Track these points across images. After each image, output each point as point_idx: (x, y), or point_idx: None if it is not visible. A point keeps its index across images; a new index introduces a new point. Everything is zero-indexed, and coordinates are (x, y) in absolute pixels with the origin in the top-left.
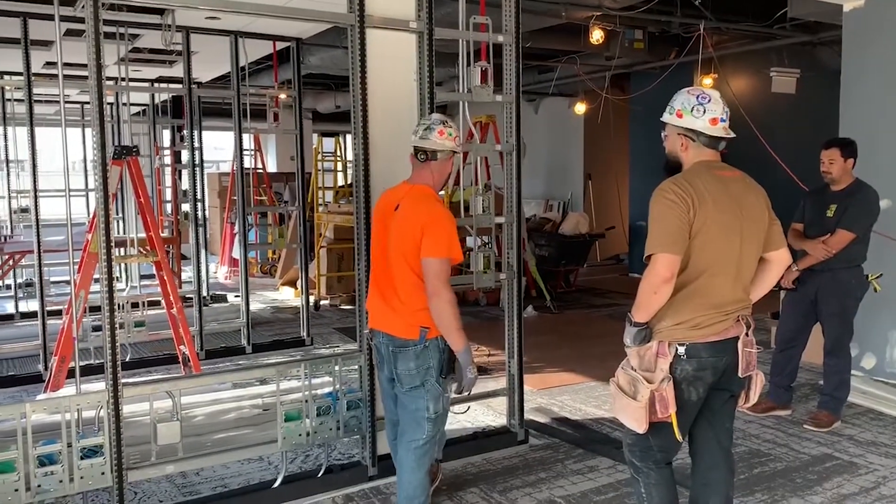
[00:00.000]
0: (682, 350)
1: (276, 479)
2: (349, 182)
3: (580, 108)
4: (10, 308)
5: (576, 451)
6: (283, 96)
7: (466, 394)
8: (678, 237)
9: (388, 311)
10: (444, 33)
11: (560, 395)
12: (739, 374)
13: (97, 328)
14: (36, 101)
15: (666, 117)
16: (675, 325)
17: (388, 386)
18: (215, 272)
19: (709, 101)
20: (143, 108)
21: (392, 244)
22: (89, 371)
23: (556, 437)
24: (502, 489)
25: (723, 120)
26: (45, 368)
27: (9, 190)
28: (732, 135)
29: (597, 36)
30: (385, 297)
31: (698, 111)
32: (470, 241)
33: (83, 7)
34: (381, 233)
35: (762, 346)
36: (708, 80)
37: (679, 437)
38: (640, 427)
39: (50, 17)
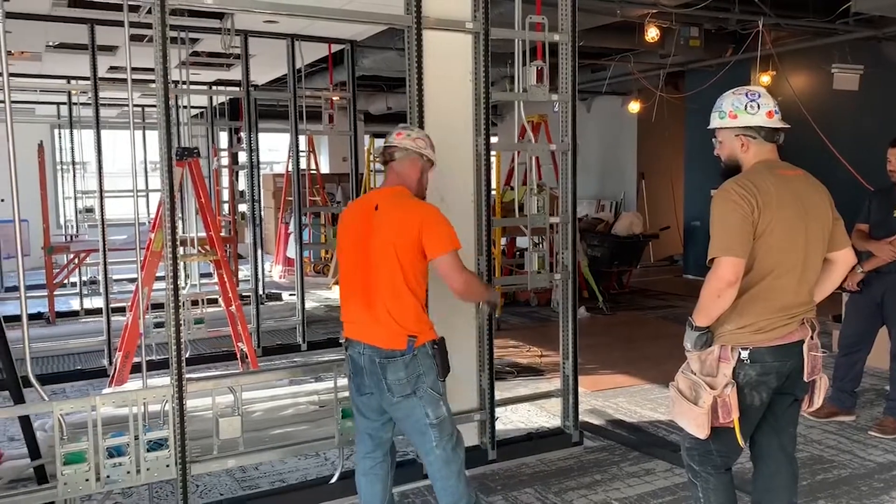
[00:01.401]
0: (745, 354)
1: (332, 475)
2: None
3: (634, 106)
4: (75, 305)
5: (631, 453)
6: (336, 98)
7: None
8: (743, 239)
9: (371, 320)
10: (500, 33)
11: (614, 398)
12: (805, 379)
13: (159, 325)
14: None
15: (717, 123)
16: (739, 328)
17: (364, 399)
18: (270, 271)
19: (759, 96)
20: (201, 110)
21: (377, 248)
22: (151, 366)
23: (611, 440)
24: (557, 490)
25: (776, 111)
26: (110, 363)
27: (75, 191)
28: (788, 125)
29: (652, 34)
30: (369, 305)
31: (752, 108)
32: (522, 242)
33: (147, 13)
34: (357, 239)
35: (826, 351)
36: (765, 78)
37: (741, 442)
38: (701, 433)
39: (114, 24)
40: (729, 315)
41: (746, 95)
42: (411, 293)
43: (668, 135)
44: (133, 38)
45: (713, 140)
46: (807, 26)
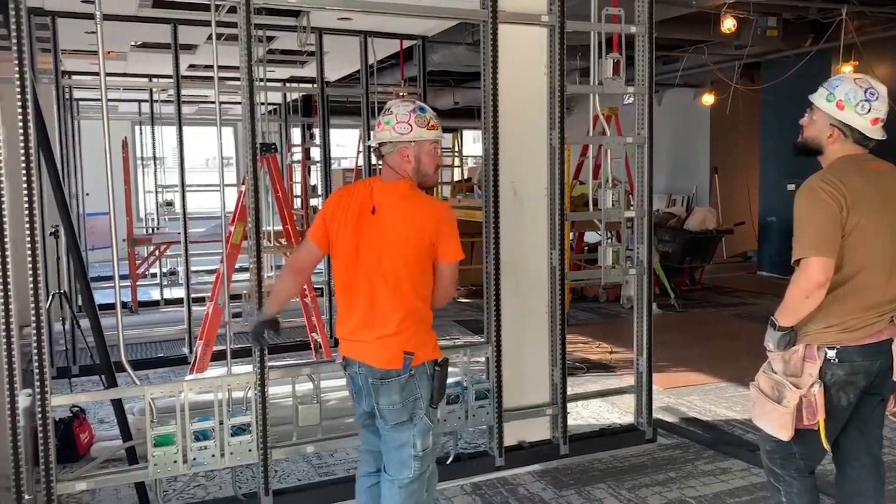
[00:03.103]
0: (832, 354)
1: None
2: (466, 177)
3: (708, 99)
4: (155, 295)
5: (706, 451)
6: (406, 94)
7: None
8: (831, 239)
9: (369, 337)
10: (576, 25)
11: (688, 395)
12: (894, 378)
13: (236, 315)
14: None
15: (821, 102)
16: (826, 327)
17: (367, 420)
18: None
19: (876, 98)
20: (274, 107)
21: (380, 256)
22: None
23: (685, 438)
24: (630, 486)
25: (883, 120)
26: (190, 351)
27: (156, 185)
28: (885, 137)
29: (728, 24)
30: (368, 320)
31: (863, 108)
32: (591, 237)
33: (228, 12)
34: (354, 246)
35: None
36: (847, 69)
37: (826, 445)
38: (785, 434)
39: (195, 23)
40: (814, 314)
41: (865, 92)
42: (420, 306)
43: (743, 128)
44: (211, 36)
45: (807, 110)
46: (892, 14)
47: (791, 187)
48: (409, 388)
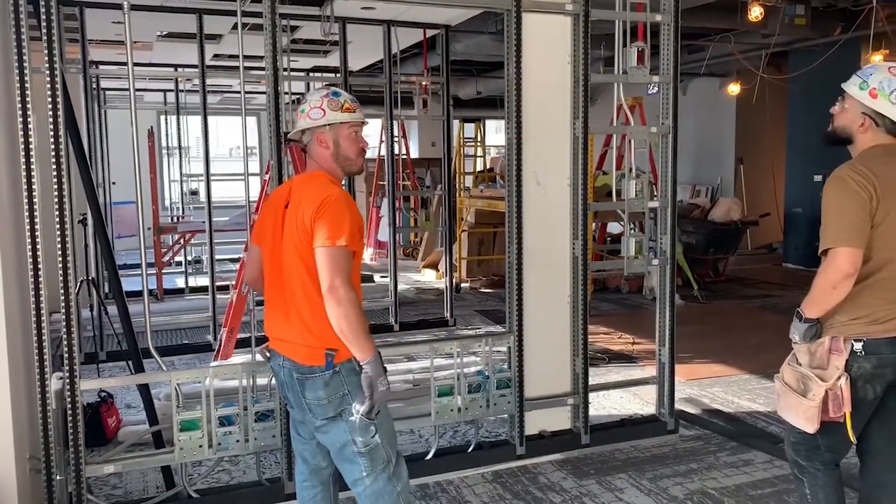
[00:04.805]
0: (858, 346)
1: (428, 452)
2: (489, 167)
3: (734, 88)
4: (180, 283)
5: (729, 443)
6: (428, 83)
7: (374, 415)
8: (860, 229)
9: (288, 332)
10: (600, 14)
11: (711, 387)
12: None
13: (259, 303)
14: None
15: (854, 91)
16: (852, 319)
17: (295, 414)
18: None
19: None
20: (298, 96)
21: (286, 248)
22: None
23: (707, 429)
24: (652, 477)
25: None
26: (215, 339)
27: (181, 174)
28: None
29: (756, 12)
30: (286, 313)
31: None
32: (614, 227)
33: (253, 1)
34: (271, 242)
35: None
36: (878, 58)
37: (852, 437)
38: (811, 427)
39: (220, 13)
40: (841, 306)
41: None
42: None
43: (770, 118)
44: (236, 26)
45: (839, 98)
46: None
47: (818, 178)
48: (333, 384)
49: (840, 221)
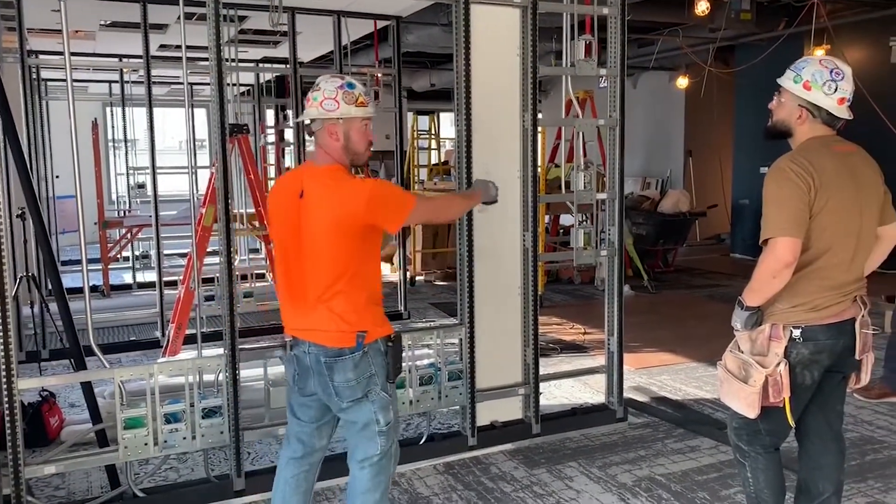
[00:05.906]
0: (797, 333)
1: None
2: (443, 160)
3: (682, 82)
4: (127, 278)
5: (676, 430)
6: (381, 75)
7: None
8: (799, 219)
9: (313, 317)
10: (549, 6)
11: (659, 375)
12: (856, 356)
13: (209, 298)
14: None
15: (788, 84)
16: (792, 307)
17: (305, 401)
18: None
19: (842, 78)
20: (247, 88)
21: (312, 240)
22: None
23: (655, 416)
24: (601, 465)
25: (849, 100)
26: (163, 335)
27: (127, 167)
28: (852, 116)
29: (702, 7)
30: (309, 303)
31: (829, 88)
32: (567, 219)
33: None
34: (288, 232)
35: (878, 328)
36: (820, 52)
37: (791, 421)
38: (752, 412)
39: (164, 2)
40: (781, 294)
41: (831, 73)
42: (359, 285)
43: (717, 111)
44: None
45: (775, 94)
46: None
47: (764, 170)
48: (362, 365)
49: (779, 212)
